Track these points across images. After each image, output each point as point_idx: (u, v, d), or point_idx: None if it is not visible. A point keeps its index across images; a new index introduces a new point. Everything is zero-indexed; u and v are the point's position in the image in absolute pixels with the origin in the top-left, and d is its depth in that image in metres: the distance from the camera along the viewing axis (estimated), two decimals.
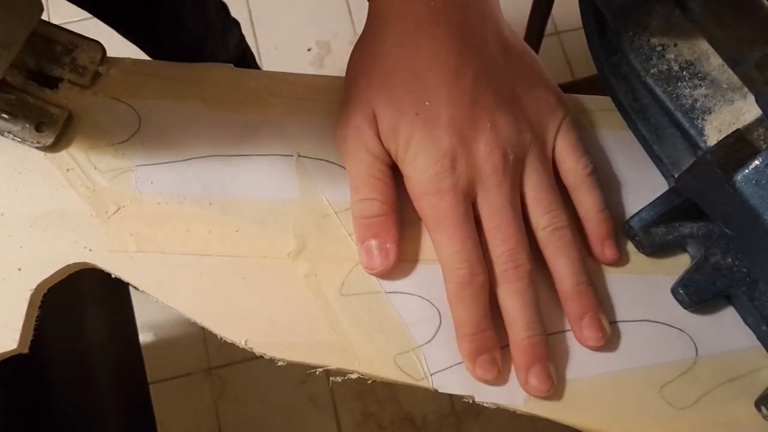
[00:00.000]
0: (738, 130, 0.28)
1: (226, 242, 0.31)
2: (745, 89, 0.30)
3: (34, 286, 0.30)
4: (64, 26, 0.34)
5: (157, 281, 0.31)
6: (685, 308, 0.32)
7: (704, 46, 0.31)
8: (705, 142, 0.30)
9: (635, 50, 0.31)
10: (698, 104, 0.30)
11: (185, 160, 0.33)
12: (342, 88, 0.33)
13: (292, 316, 0.30)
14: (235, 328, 0.30)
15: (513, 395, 0.30)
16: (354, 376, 0.30)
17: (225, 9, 0.76)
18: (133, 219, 0.32)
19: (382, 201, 0.31)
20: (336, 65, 1.14)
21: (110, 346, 0.52)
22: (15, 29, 0.29)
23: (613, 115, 0.35)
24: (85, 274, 0.32)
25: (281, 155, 0.34)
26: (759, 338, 0.31)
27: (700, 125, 0.30)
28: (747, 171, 0.26)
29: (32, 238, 0.31)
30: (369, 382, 0.31)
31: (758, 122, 0.29)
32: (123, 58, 0.35)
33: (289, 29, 1.21)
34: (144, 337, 0.96)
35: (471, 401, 0.30)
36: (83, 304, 0.48)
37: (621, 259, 0.33)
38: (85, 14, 0.57)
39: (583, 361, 0.31)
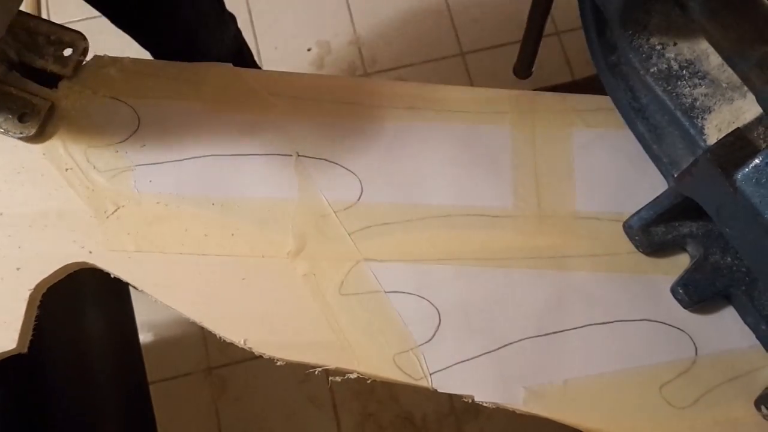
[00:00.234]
0: (738, 128, 0.28)
1: (225, 242, 0.31)
2: (745, 88, 0.30)
3: (33, 286, 0.30)
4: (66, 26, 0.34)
5: (156, 281, 0.31)
6: (685, 308, 0.32)
7: (704, 45, 0.30)
8: (705, 141, 0.30)
9: (635, 49, 0.31)
10: (698, 103, 0.30)
11: (184, 159, 0.33)
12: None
13: (291, 315, 0.30)
14: (234, 328, 0.30)
15: (512, 395, 0.30)
16: (353, 375, 0.30)
17: (220, 1, 0.76)
18: (132, 218, 0.32)
19: None
20: (336, 65, 1.14)
21: (110, 346, 0.52)
22: None
23: (612, 114, 0.35)
24: (84, 273, 0.32)
25: (280, 155, 0.34)
26: (758, 338, 0.31)
27: (699, 124, 0.30)
28: (747, 170, 0.26)
29: (31, 237, 0.31)
30: (368, 381, 0.31)
31: (758, 121, 0.29)
32: (122, 58, 0.35)
33: (289, 29, 1.21)
34: (144, 336, 0.96)
35: (470, 401, 0.30)
36: (83, 304, 0.48)
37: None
38: (85, 15, 0.57)
39: (582, 361, 0.31)
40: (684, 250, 0.33)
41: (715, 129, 0.30)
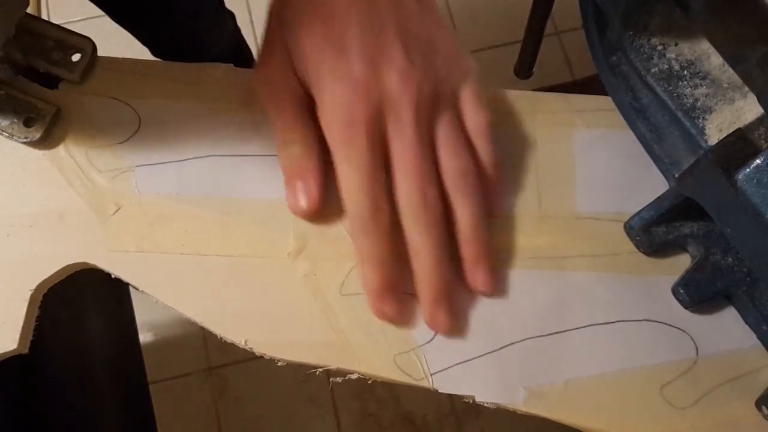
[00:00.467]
0: (739, 129, 0.28)
1: (225, 242, 0.31)
2: (746, 88, 0.30)
3: (33, 287, 0.30)
4: (65, 26, 0.34)
5: (157, 281, 0.31)
6: (686, 308, 0.32)
7: (705, 45, 0.31)
8: (706, 141, 0.30)
9: (636, 49, 0.31)
10: (699, 103, 0.30)
11: (185, 160, 0.33)
12: None
13: (292, 315, 0.30)
14: (235, 328, 0.30)
15: (513, 395, 0.30)
16: (354, 376, 0.30)
17: None
18: (133, 219, 0.32)
19: (302, 140, 0.31)
20: None
21: (110, 346, 0.52)
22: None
23: (613, 114, 0.35)
24: (84, 274, 0.32)
25: None
26: (759, 338, 0.31)
27: (700, 124, 0.30)
28: (748, 170, 0.26)
29: (32, 238, 0.31)
30: (369, 382, 0.31)
31: (759, 121, 0.29)
32: (123, 59, 0.35)
33: None
34: (144, 336, 0.96)
35: (471, 401, 0.30)
36: (83, 305, 0.48)
37: (499, 206, 0.33)
38: (85, 14, 0.57)
39: (583, 362, 0.31)
40: (685, 250, 0.33)
41: (716, 129, 0.30)
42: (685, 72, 0.31)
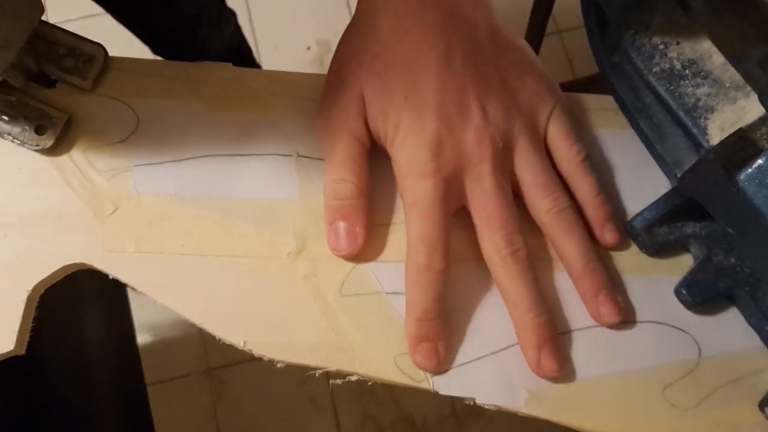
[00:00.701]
0: (741, 128, 0.28)
1: (224, 243, 0.31)
2: (748, 88, 0.30)
3: (31, 287, 0.30)
4: (62, 24, 0.34)
5: (155, 282, 0.30)
6: (688, 309, 0.31)
7: (706, 44, 0.30)
8: (708, 141, 0.30)
9: (637, 49, 0.31)
10: (701, 103, 0.30)
11: (184, 159, 0.33)
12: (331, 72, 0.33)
13: (291, 316, 0.30)
14: (234, 330, 0.30)
15: (514, 397, 0.29)
16: (354, 377, 0.30)
17: None
18: (131, 219, 0.31)
19: (355, 183, 0.31)
20: None
21: (108, 347, 0.52)
22: (15, 29, 0.29)
23: (614, 114, 0.35)
24: (82, 274, 0.31)
25: (281, 155, 0.33)
26: (762, 339, 0.31)
27: (702, 124, 0.30)
28: (750, 170, 0.26)
29: (29, 238, 0.31)
30: (369, 383, 0.30)
31: (761, 121, 0.29)
32: (122, 58, 0.35)
33: (289, 28, 1.21)
34: (142, 338, 0.96)
35: (472, 403, 0.29)
36: (81, 305, 0.48)
37: (623, 243, 0.32)
38: (84, 12, 0.57)
39: (585, 363, 0.30)
40: (687, 250, 0.33)
41: (717, 129, 0.30)
42: (687, 71, 0.30)
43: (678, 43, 0.31)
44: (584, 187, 0.32)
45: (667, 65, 0.31)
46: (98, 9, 0.63)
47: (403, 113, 0.30)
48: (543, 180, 0.31)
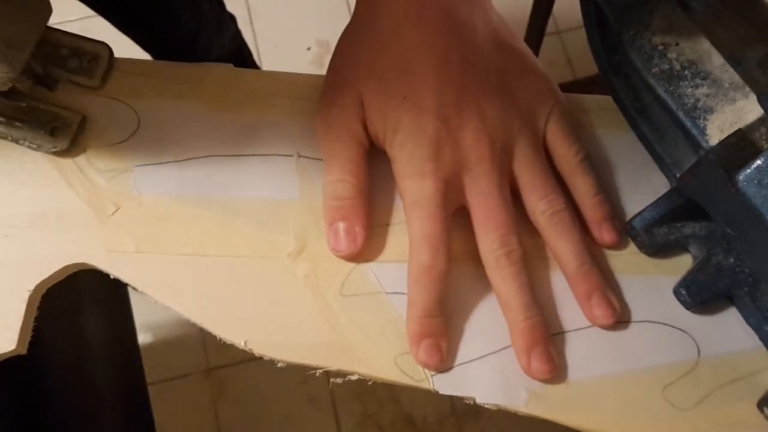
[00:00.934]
0: (740, 129, 0.28)
1: (225, 243, 0.31)
2: (747, 88, 0.30)
3: (32, 287, 0.30)
4: (62, 26, 0.34)
5: (156, 282, 0.30)
6: (688, 309, 0.31)
7: (706, 45, 0.30)
8: (707, 141, 0.30)
9: (637, 49, 0.31)
10: (700, 104, 0.30)
11: (184, 160, 0.33)
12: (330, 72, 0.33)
13: (292, 316, 0.30)
14: (234, 329, 0.30)
15: (514, 396, 0.30)
16: (354, 377, 0.30)
17: (220, 2, 0.76)
18: (132, 219, 0.31)
19: (354, 184, 0.31)
20: None
21: (109, 347, 0.52)
22: (26, 30, 0.29)
23: (614, 114, 0.35)
24: (83, 274, 0.31)
25: (281, 155, 0.33)
26: (761, 339, 0.31)
27: (702, 125, 0.30)
28: (749, 171, 0.26)
29: (31, 238, 0.31)
30: (369, 383, 0.30)
31: (760, 122, 0.29)
32: (122, 59, 0.35)
33: (289, 28, 1.21)
34: (143, 337, 0.96)
35: (472, 402, 0.30)
36: (82, 305, 0.48)
37: (621, 242, 0.33)
38: (84, 13, 0.57)
39: (584, 362, 0.30)
40: (687, 250, 0.33)
41: (717, 129, 0.30)
42: (686, 72, 0.31)
43: (677, 44, 0.31)
44: (582, 188, 0.32)
45: (667, 66, 0.31)
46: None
47: (401, 114, 0.30)
48: (539, 181, 0.31)
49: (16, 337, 0.29)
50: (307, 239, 0.32)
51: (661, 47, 0.31)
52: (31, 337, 0.30)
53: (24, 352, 0.30)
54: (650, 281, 0.32)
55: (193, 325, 0.30)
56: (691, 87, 0.30)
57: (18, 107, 0.32)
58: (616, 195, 0.34)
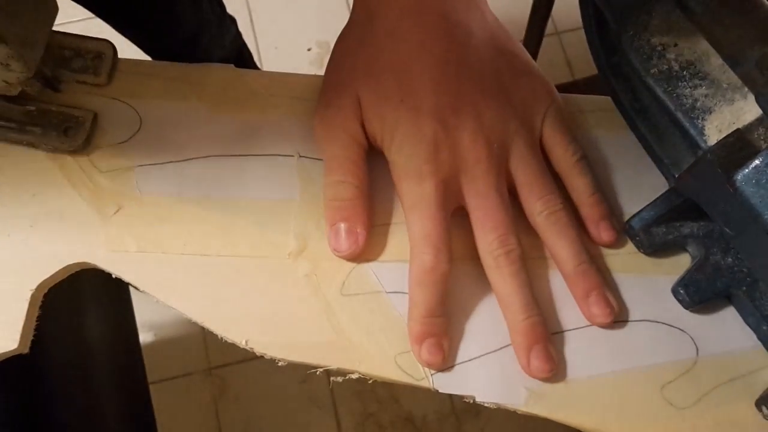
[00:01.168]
0: (738, 129, 0.28)
1: (226, 242, 0.31)
2: (746, 89, 0.30)
3: (34, 286, 0.30)
4: (65, 26, 0.34)
5: (158, 281, 0.31)
6: (686, 308, 0.32)
7: (704, 45, 0.31)
8: (705, 141, 0.30)
9: (636, 50, 0.31)
10: (698, 104, 0.30)
11: (186, 160, 0.33)
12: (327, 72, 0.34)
13: (292, 316, 0.30)
14: (235, 328, 0.30)
15: (513, 395, 0.30)
16: (355, 376, 0.30)
17: (220, 4, 0.76)
18: (134, 219, 0.32)
19: (356, 184, 0.31)
20: None
21: (110, 346, 0.52)
22: (38, 27, 0.29)
23: (613, 115, 0.35)
24: (85, 274, 0.32)
25: (282, 155, 0.34)
26: (759, 338, 0.31)
27: (700, 125, 0.30)
28: (747, 171, 0.26)
29: (33, 237, 0.31)
30: (369, 382, 0.31)
31: (758, 122, 0.29)
32: (124, 59, 0.35)
33: (289, 29, 1.21)
34: (144, 337, 0.96)
35: (472, 401, 0.30)
36: (83, 305, 0.48)
37: (619, 241, 0.33)
38: (84, 14, 0.57)
39: (583, 361, 0.31)
40: (685, 250, 0.33)
41: (715, 130, 0.30)
42: (685, 72, 0.31)
43: (676, 45, 0.31)
44: (579, 187, 0.32)
45: (666, 66, 0.31)
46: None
47: (399, 116, 0.30)
48: (537, 181, 0.31)
49: (18, 336, 0.29)
50: (308, 239, 0.32)
51: (659, 48, 0.31)
52: (33, 336, 0.30)
53: (26, 351, 0.30)
54: (649, 281, 0.32)
55: (194, 324, 0.30)
56: (690, 87, 0.31)
57: (28, 111, 0.32)
58: (614, 195, 0.34)
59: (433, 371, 0.30)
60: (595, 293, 0.31)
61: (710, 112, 0.30)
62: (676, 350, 0.31)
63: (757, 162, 0.26)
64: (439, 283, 0.30)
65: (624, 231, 0.33)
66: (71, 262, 0.31)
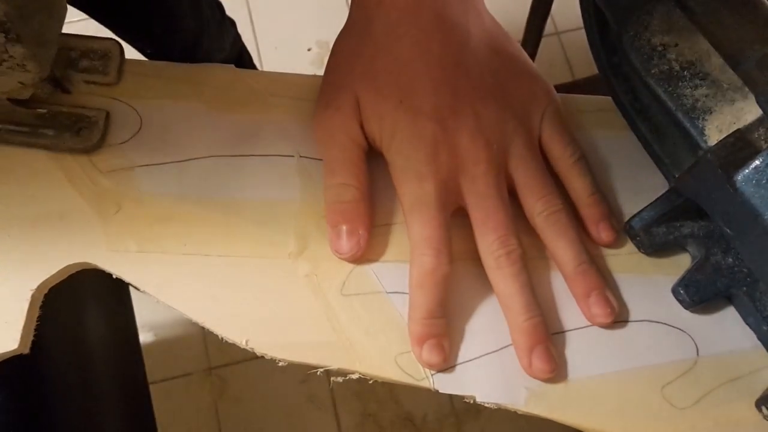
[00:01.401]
0: (738, 129, 0.28)
1: (226, 242, 0.31)
2: (746, 89, 0.30)
3: (35, 287, 0.30)
4: (66, 26, 0.34)
5: (158, 281, 0.31)
6: (686, 308, 0.32)
7: (705, 45, 0.31)
8: (706, 142, 0.30)
9: (636, 50, 0.31)
10: (699, 104, 0.30)
11: (186, 160, 0.33)
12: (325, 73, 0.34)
13: (293, 316, 0.30)
14: (236, 329, 0.30)
15: (514, 395, 0.30)
16: (355, 376, 0.30)
17: (220, 7, 0.76)
18: (134, 219, 0.32)
19: (357, 186, 0.31)
20: None
21: (110, 347, 0.52)
22: (51, 26, 0.29)
23: (613, 115, 0.35)
24: (85, 274, 0.32)
25: (282, 156, 0.34)
26: (760, 338, 0.31)
27: (700, 125, 0.30)
28: (747, 171, 0.26)
29: (33, 238, 0.31)
30: (369, 382, 0.31)
31: (759, 122, 0.29)
32: (125, 60, 0.35)
33: (289, 29, 1.21)
34: (144, 337, 0.96)
35: (472, 401, 0.30)
36: (83, 305, 0.48)
37: (618, 241, 0.33)
38: (80, 16, 0.57)
39: (583, 362, 0.31)
40: (685, 250, 0.33)
41: (716, 130, 0.30)
42: (686, 72, 0.31)
43: (677, 45, 0.31)
44: (579, 187, 0.32)
45: (666, 66, 0.31)
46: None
47: (398, 117, 0.30)
48: (536, 182, 0.31)
49: (18, 336, 0.29)
50: (308, 239, 0.32)
51: (660, 48, 0.31)
52: (33, 336, 0.30)
53: (26, 351, 0.30)
54: (649, 281, 0.32)
55: (195, 324, 0.30)
56: (690, 87, 0.31)
57: (40, 114, 0.32)
58: (614, 195, 0.34)
59: (433, 371, 0.30)
60: (595, 293, 0.31)
61: (711, 112, 0.30)
62: (676, 350, 0.31)
63: (757, 162, 0.26)
64: (439, 284, 0.30)
65: (624, 231, 0.33)
66: (71, 262, 0.31)
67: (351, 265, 0.32)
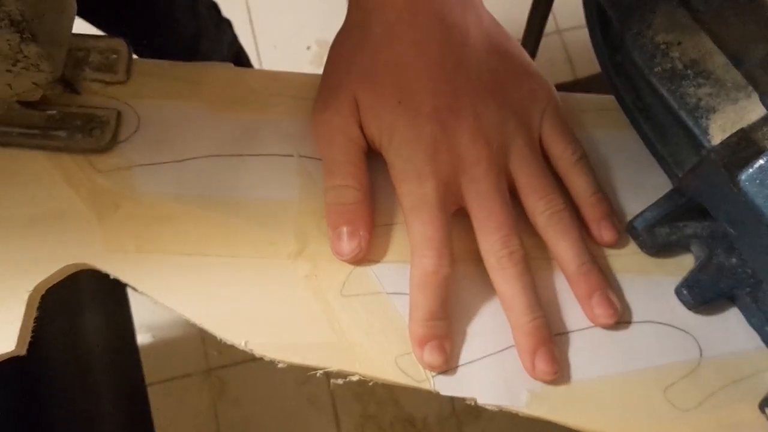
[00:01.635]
0: (742, 129, 0.28)
1: (225, 243, 0.31)
2: (750, 88, 0.29)
3: (32, 287, 0.30)
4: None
5: (156, 282, 0.30)
6: (689, 309, 0.31)
7: (708, 44, 0.30)
8: (709, 141, 0.30)
9: (639, 48, 0.31)
10: (702, 103, 0.30)
11: (185, 160, 0.33)
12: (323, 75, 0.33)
13: (292, 317, 0.30)
14: (235, 330, 0.30)
15: (515, 397, 0.29)
16: (355, 377, 0.30)
17: (216, 8, 0.76)
18: (132, 219, 0.31)
19: (357, 188, 0.31)
20: None
21: (108, 348, 0.52)
22: (63, 25, 0.29)
23: (616, 114, 0.35)
24: (83, 275, 0.31)
25: (281, 155, 0.33)
26: (763, 339, 0.31)
27: (704, 124, 0.30)
28: (751, 170, 0.26)
29: (31, 238, 0.31)
30: (369, 383, 0.30)
31: (763, 121, 0.29)
32: None
33: (289, 28, 1.21)
34: (142, 338, 0.96)
35: (473, 403, 0.29)
36: (81, 306, 0.48)
37: (620, 241, 0.32)
38: (79, 19, 0.57)
39: (585, 363, 0.30)
40: (688, 250, 0.33)
41: (719, 129, 0.30)
42: (689, 71, 0.30)
43: (680, 43, 0.31)
44: (580, 187, 0.32)
45: (669, 65, 0.31)
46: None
47: (397, 118, 0.30)
48: (537, 181, 0.31)
49: (15, 337, 0.29)
50: (308, 239, 0.32)
51: (663, 46, 0.31)
52: (31, 337, 0.30)
53: (23, 352, 0.29)
54: (652, 281, 0.32)
55: (193, 325, 0.30)
56: (694, 86, 0.30)
57: (50, 116, 0.32)
58: (617, 194, 0.34)
59: (434, 373, 0.30)
60: (598, 294, 0.30)
61: (714, 111, 0.30)
62: (679, 351, 0.31)
63: (761, 161, 0.26)
64: (440, 286, 0.29)
65: (627, 231, 0.33)
66: (69, 263, 0.30)
67: (351, 266, 0.31)
